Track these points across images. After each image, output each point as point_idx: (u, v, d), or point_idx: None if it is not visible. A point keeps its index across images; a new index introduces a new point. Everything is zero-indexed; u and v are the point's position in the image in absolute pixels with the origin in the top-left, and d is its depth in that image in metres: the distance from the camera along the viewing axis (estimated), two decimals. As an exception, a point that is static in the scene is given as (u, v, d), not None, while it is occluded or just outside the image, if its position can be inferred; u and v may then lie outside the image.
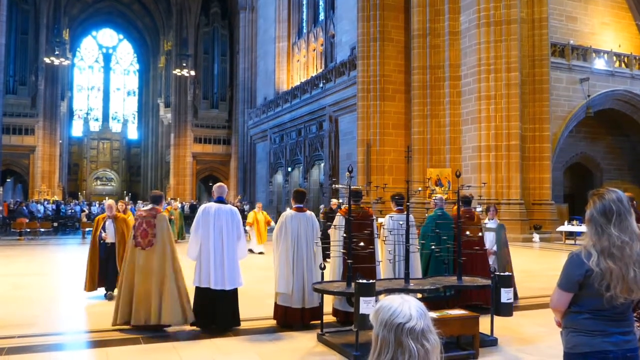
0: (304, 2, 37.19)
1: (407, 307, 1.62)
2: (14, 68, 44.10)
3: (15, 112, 43.91)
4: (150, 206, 6.84)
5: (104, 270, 8.53)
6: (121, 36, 63.29)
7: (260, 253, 15.67)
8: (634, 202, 10.28)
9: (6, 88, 40.05)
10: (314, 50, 34.95)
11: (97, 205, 32.48)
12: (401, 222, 6.91)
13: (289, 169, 34.67)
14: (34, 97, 45.26)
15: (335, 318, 6.91)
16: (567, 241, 19.66)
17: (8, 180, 43.34)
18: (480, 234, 7.99)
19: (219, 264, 6.39)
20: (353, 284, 5.40)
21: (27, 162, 45.04)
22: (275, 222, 7.41)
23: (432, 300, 6.90)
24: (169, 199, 44.37)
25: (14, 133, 43.85)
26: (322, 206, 28.86)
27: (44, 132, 45.06)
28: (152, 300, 6.32)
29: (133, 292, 6.38)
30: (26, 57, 44.88)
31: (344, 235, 6.35)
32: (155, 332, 6.31)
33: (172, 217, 18.94)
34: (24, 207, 28.74)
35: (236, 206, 9.88)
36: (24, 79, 44.97)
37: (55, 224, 25.91)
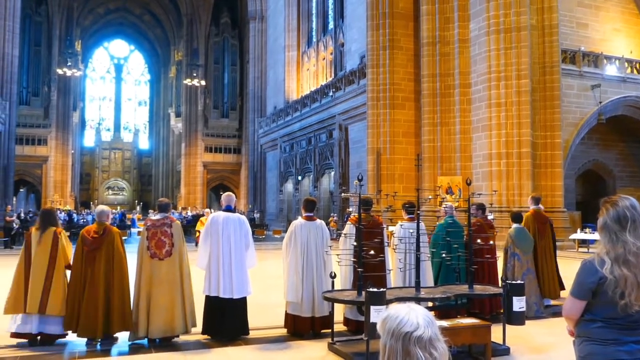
0: (314, 12, 37.37)
1: (414, 315, 1.61)
2: (27, 79, 44.66)
3: (29, 123, 44.49)
4: (160, 215, 6.63)
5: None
6: (132, 47, 63.98)
7: None
8: None
9: (19, 99, 40.53)
10: (324, 59, 35.06)
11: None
12: (411, 231, 6.88)
13: (299, 178, 34.70)
14: (47, 108, 45.79)
15: (346, 327, 6.88)
16: (580, 249, 19.45)
17: (21, 190, 43.77)
18: (492, 242, 7.94)
19: (227, 273, 6.40)
20: (363, 293, 5.38)
21: (39, 172, 45.50)
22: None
23: (442, 309, 6.86)
24: (179, 207, 44.58)
25: (27, 143, 44.39)
26: (333, 214, 28.87)
27: (56, 142, 45.54)
28: (175, 312, 6.24)
29: (150, 304, 6.23)
30: (39, 69, 45.44)
31: (354, 243, 6.34)
32: (165, 341, 6.31)
33: None
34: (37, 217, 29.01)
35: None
36: (36, 90, 45.50)
37: (68, 233, 26.04)
